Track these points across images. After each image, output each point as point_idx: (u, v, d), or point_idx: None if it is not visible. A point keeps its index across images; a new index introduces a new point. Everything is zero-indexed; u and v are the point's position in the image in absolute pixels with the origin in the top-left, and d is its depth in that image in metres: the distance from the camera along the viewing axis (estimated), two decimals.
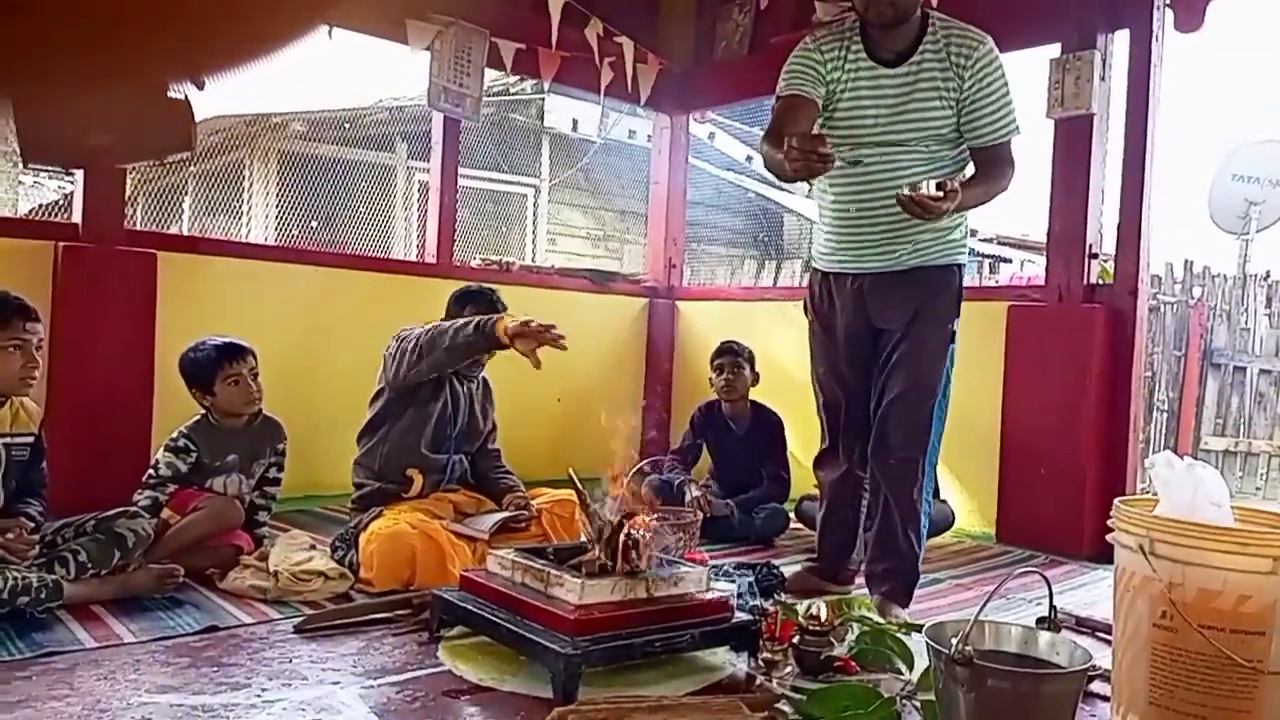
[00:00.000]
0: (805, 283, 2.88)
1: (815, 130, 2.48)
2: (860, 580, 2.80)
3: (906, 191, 2.22)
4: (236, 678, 1.93)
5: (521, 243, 8.17)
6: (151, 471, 2.80)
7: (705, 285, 7.23)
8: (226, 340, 2.85)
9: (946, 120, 2.45)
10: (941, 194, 2.20)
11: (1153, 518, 1.78)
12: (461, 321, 2.73)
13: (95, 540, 2.43)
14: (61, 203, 5.82)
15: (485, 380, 3.13)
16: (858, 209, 2.54)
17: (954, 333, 2.56)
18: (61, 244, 3.33)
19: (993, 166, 2.46)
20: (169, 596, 2.44)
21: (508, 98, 7.69)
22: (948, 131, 2.46)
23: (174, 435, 2.84)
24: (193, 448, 2.81)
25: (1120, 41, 3.56)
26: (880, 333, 2.59)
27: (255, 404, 2.88)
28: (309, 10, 0.53)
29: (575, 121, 8.11)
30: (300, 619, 2.30)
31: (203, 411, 2.86)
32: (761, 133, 2.57)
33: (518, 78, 6.52)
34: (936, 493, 3.34)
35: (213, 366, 2.80)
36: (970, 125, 2.45)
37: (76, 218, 3.43)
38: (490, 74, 4.46)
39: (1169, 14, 3.46)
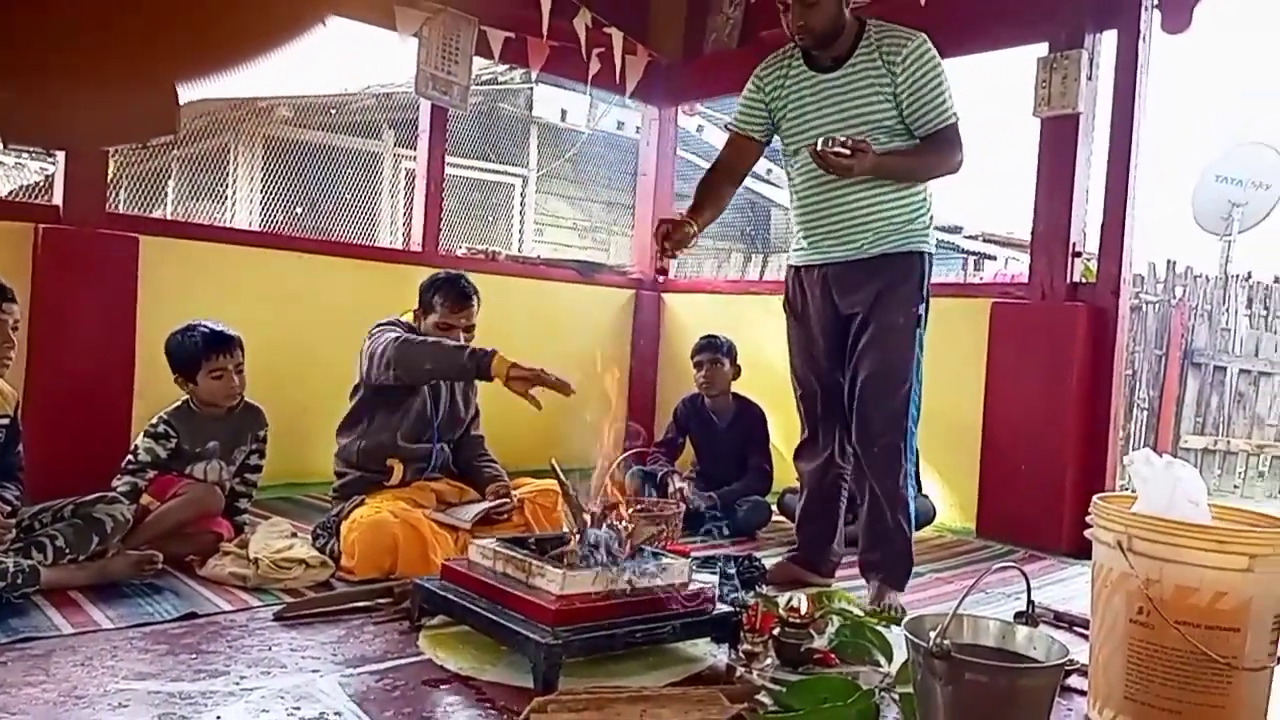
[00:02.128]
0: None
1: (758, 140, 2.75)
2: (841, 573, 2.82)
3: (819, 145, 2.35)
4: (215, 665, 1.92)
5: (508, 233, 8.13)
6: (131, 457, 2.78)
7: (692, 278, 7.22)
8: (216, 329, 2.81)
9: (887, 112, 2.55)
10: (848, 152, 2.33)
11: (1131, 515, 1.80)
12: (450, 345, 2.73)
13: (73, 525, 2.41)
14: (43, 184, 5.75)
15: None
16: (818, 202, 2.64)
17: (920, 318, 2.61)
18: (42, 226, 3.29)
19: (933, 144, 2.56)
20: (148, 583, 2.43)
21: (496, 87, 7.64)
22: (892, 123, 2.55)
23: (154, 421, 2.82)
24: (173, 433, 2.79)
25: (1108, 41, 3.57)
26: (850, 321, 2.63)
27: (234, 399, 2.86)
28: (312, 8, 0.53)
29: (564, 112, 8.07)
30: (280, 607, 2.29)
31: (184, 397, 2.85)
32: None
33: (506, 67, 6.48)
34: (919, 487, 3.35)
35: (198, 357, 2.78)
36: (910, 116, 2.55)
37: (58, 200, 3.39)
38: (479, 62, 4.44)
39: (1156, 14, 3.48)
